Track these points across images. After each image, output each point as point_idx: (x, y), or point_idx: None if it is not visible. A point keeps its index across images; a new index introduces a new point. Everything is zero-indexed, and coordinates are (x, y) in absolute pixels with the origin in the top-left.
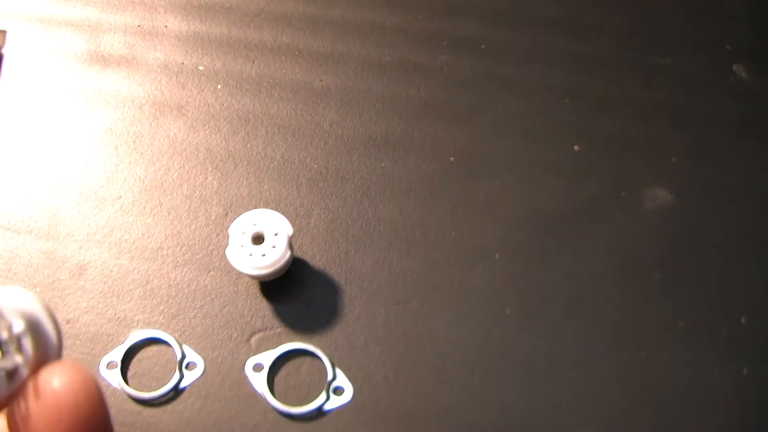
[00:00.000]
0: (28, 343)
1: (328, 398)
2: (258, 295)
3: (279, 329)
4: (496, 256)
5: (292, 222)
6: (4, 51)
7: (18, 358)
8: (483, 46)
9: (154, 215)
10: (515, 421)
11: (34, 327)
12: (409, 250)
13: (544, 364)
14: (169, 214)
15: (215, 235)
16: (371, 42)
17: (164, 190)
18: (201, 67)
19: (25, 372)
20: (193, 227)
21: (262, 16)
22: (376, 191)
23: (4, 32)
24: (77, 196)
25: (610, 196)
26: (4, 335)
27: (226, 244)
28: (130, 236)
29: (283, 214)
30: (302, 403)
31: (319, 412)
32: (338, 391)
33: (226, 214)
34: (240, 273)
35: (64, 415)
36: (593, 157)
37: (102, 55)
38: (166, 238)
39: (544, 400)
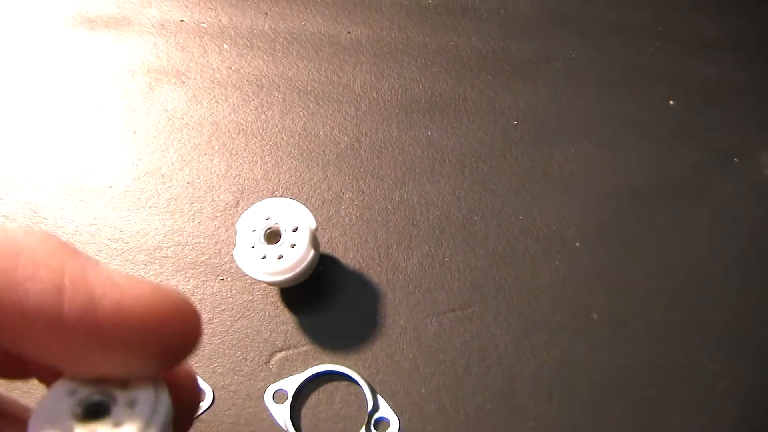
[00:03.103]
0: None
1: None
2: (279, 304)
3: (305, 347)
4: (577, 244)
5: (318, 211)
6: None
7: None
8: None
9: (150, 207)
10: None
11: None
12: (465, 242)
13: (642, 385)
14: (168, 205)
15: (224, 230)
16: None
17: (162, 175)
18: (204, 24)
19: None
20: (198, 221)
21: None
22: (422, 168)
23: None
24: (59, 188)
25: (718, 163)
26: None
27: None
28: (123, 234)
29: (306, 201)
30: None
31: None
32: (381, 424)
33: (237, 203)
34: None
35: None
36: (692, 113)
37: (88, 17)
38: (164, 236)
39: None
